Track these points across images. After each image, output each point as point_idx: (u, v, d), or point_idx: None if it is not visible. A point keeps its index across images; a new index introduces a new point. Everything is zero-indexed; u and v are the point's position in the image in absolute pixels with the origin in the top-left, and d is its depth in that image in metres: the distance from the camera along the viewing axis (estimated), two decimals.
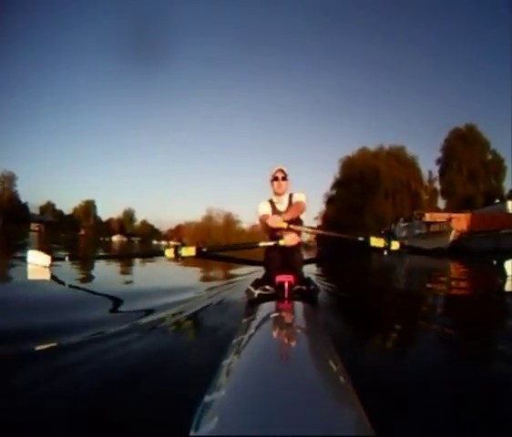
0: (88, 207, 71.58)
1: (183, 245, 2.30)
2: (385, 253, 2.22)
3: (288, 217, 2.11)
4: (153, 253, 3.17)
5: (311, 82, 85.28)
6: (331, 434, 0.52)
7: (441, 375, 1.25)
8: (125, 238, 53.51)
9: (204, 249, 2.33)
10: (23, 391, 0.99)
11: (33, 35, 75.70)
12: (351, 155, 36.21)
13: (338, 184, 36.79)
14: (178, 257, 2.23)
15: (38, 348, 1.34)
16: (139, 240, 52.06)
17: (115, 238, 49.03)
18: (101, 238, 39.90)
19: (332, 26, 77.84)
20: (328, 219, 36.43)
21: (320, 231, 2.29)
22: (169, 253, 2.27)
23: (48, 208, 67.52)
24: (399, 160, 32.81)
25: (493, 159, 29.79)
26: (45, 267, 3.41)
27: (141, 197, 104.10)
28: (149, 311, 1.97)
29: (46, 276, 3.18)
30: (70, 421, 0.88)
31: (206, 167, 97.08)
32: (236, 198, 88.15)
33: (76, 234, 52.95)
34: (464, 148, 29.78)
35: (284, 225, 2.04)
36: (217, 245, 3.13)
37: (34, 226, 50.34)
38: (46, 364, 1.19)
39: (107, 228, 68.09)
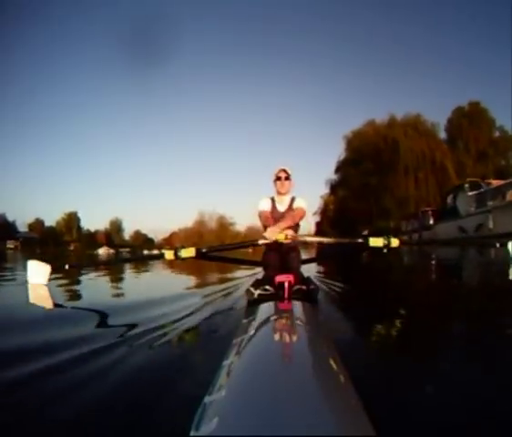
0: (71, 219, 70.92)
1: (182, 247, 2.44)
2: (385, 251, 2.28)
3: (284, 225, 2.20)
4: (153, 256, 3.33)
5: (307, 64, 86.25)
6: (331, 434, 0.56)
7: (443, 376, 1.29)
8: (112, 250, 53.18)
9: (204, 250, 2.46)
10: (10, 417, 1.00)
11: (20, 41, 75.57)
12: (358, 128, 31.27)
13: (345, 164, 31.83)
14: (177, 258, 2.35)
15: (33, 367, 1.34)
16: (128, 251, 51.66)
17: (101, 251, 48.60)
18: (88, 252, 39.62)
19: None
20: (333, 209, 33.26)
21: (316, 238, 2.37)
22: (169, 255, 2.39)
23: (37, 224, 66.85)
24: (417, 130, 28.03)
25: (501, 137, 28.78)
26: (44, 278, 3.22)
27: (134, 207, 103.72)
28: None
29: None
30: (70, 426, 0.93)
31: (200, 171, 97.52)
32: (231, 199, 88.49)
33: (66, 249, 52.68)
34: (470, 127, 28.56)
35: (282, 236, 2.14)
36: (216, 245, 3.25)
37: (10, 243, 50.00)
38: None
39: (94, 240, 67.72)
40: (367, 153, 28.58)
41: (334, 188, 33.90)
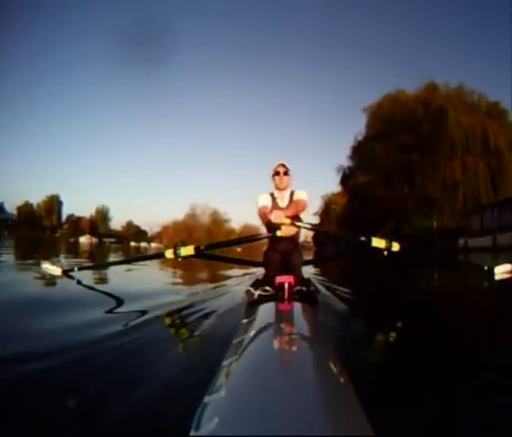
0: (52, 203, 69.97)
1: (183, 244, 2.47)
2: (385, 254, 2.35)
3: (290, 213, 2.21)
4: (153, 256, 3.35)
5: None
6: (331, 435, 0.58)
7: (442, 377, 1.33)
8: (94, 239, 52.78)
9: (202, 247, 2.48)
10: (18, 393, 1.06)
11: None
12: (388, 94, 25.01)
13: (368, 140, 25.37)
14: (177, 257, 2.40)
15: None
16: (114, 241, 51.30)
17: (82, 239, 48.22)
18: (71, 240, 39.24)
19: None
20: (345, 204, 28.86)
21: (321, 228, 2.35)
22: (169, 254, 2.44)
23: (26, 207, 66.66)
24: (461, 101, 22.57)
25: None
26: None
27: (130, 198, 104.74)
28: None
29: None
30: (69, 420, 0.95)
31: (198, 168, 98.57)
32: (226, 197, 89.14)
33: (53, 235, 52.49)
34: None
35: (287, 221, 2.14)
36: (216, 241, 3.23)
37: None
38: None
39: (78, 226, 67.28)
40: (403, 122, 22.33)
41: (349, 176, 28.02)
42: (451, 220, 20.08)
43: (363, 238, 2.42)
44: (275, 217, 2.11)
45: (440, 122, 21.22)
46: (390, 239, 2.37)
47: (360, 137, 26.81)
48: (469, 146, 21.28)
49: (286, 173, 2.43)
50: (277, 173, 2.43)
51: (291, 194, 2.48)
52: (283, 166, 2.43)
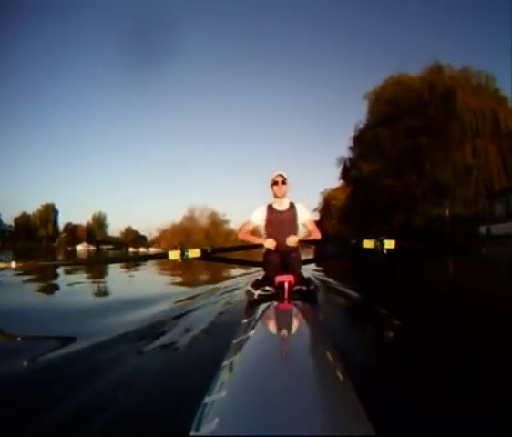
0: (48, 212, 69.63)
1: (183, 247, 2.49)
2: (385, 252, 2.33)
3: (303, 237, 2.55)
4: (155, 256, 3.35)
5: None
6: (331, 434, 0.59)
7: (444, 377, 1.34)
8: (92, 247, 52.71)
9: (208, 250, 2.59)
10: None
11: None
12: (392, 78, 23.45)
13: (371, 126, 23.65)
14: (184, 259, 2.44)
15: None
16: (111, 248, 51.28)
17: (80, 247, 48.25)
18: (69, 248, 39.13)
19: None
20: (347, 197, 27.40)
21: (318, 236, 2.45)
22: (174, 255, 2.45)
23: (23, 218, 66.68)
24: (468, 82, 21.41)
25: None
26: None
27: (130, 205, 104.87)
28: None
29: None
30: (71, 424, 0.95)
31: (197, 170, 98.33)
32: (226, 198, 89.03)
33: (51, 245, 52.35)
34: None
35: (295, 242, 2.46)
36: (221, 246, 3.40)
37: None
38: None
39: (75, 235, 67.15)
40: (408, 105, 21.10)
41: (351, 167, 26.49)
42: (463, 208, 19.23)
43: (353, 241, 2.48)
44: (290, 241, 2.43)
45: (448, 104, 20.07)
46: (380, 239, 2.35)
47: (361, 126, 25.36)
48: (479, 128, 20.09)
49: (284, 182, 2.62)
50: (275, 182, 2.62)
51: (291, 206, 2.65)
52: (281, 176, 2.62)
